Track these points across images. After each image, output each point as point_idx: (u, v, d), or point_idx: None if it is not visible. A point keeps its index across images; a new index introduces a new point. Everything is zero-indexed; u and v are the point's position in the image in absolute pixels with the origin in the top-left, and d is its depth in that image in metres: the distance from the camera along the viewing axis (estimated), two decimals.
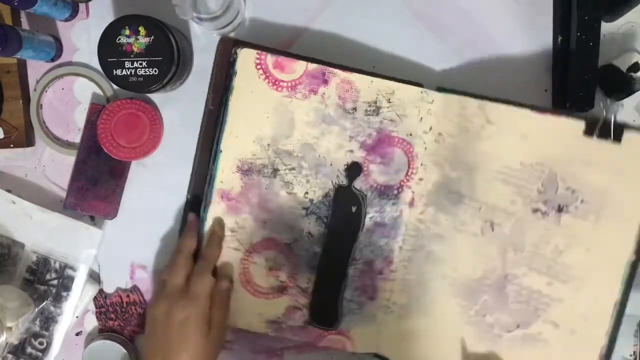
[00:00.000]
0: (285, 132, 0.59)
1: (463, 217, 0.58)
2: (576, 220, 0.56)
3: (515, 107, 0.56)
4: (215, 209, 0.60)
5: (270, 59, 0.58)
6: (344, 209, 0.60)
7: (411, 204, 0.60)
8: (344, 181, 0.60)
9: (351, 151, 0.59)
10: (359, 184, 0.60)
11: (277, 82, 0.58)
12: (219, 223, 0.60)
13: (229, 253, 0.60)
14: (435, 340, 0.59)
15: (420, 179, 0.59)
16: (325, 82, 0.58)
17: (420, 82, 0.59)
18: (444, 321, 0.59)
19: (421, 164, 0.59)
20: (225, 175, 0.59)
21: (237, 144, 0.59)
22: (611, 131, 0.54)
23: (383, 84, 0.58)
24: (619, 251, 0.55)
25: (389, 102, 0.58)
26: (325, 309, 0.61)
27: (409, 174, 0.59)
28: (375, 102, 0.58)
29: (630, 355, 0.64)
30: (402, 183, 0.60)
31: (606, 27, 0.62)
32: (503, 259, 0.57)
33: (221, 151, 0.59)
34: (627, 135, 0.54)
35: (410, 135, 0.59)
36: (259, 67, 0.58)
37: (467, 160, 0.58)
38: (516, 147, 0.56)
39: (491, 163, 0.57)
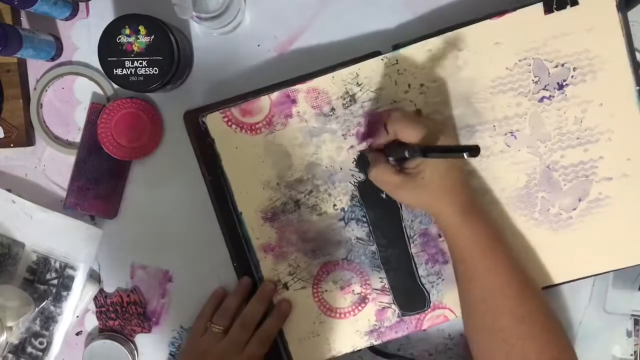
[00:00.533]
0: (285, 165, 0.60)
1: (483, 143, 0.59)
2: (578, 87, 0.58)
3: (475, 24, 0.57)
4: (266, 265, 0.61)
5: (235, 110, 0.59)
6: (375, 200, 0.60)
7: None
8: (360, 177, 0.60)
9: (351, 147, 0.59)
10: None
11: (253, 127, 0.59)
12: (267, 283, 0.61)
13: (299, 295, 0.61)
14: (522, 262, 0.59)
15: None
16: (294, 101, 0.59)
17: (379, 49, 0.59)
18: (519, 238, 0.60)
19: None
20: (257, 231, 0.60)
21: (250, 199, 0.60)
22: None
23: (344, 73, 0.58)
24: (624, 89, 0.58)
25: (359, 85, 0.58)
26: (411, 295, 0.61)
27: None
28: (347, 93, 0.58)
29: (631, 355, 0.64)
30: None
31: None
32: (537, 156, 0.59)
33: (241, 213, 0.60)
34: None
35: (395, 102, 0.59)
36: (230, 123, 0.59)
37: (459, 93, 0.58)
38: (494, 57, 0.58)
39: (481, 83, 0.58)
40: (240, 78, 0.62)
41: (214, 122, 0.59)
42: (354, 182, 0.60)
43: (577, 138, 0.59)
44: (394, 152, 0.55)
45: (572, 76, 0.58)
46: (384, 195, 0.60)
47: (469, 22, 0.57)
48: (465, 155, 0.46)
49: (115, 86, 0.64)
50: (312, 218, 0.61)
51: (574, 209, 0.59)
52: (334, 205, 0.60)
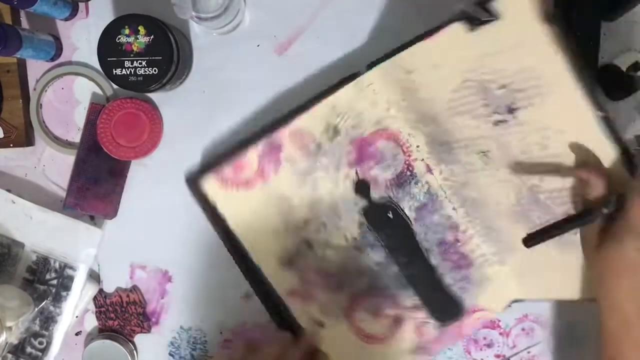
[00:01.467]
0: (288, 210, 0.60)
1: (464, 159, 0.58)
2: (529, 110, 0.52)
3: (411, 47, 0.53)
4: (296, 308, 0.61)
5: (228, 169, 0.59)
6: (384, 221, 0.60)
7: (429, 170, 0.60)
8: (363, 203, 0.60)
9: (347, 176, 0.60)
10: (376, 193, 0.60)
11: (248, 182, 0.59)
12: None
13: (336, 330, 0.62)
14: (541, 265, 0.59)
15: (418, 146, 0.60)
16: (279, 148, 0.59)
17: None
18: (533, 252, 0.57)
19: (408, 134, 0.59)
20: (280, 280, 0.61)
21: (265, 251, 0.60)
22: (485, 11, 0.48)
23: (322, 108, 0.57)
24: (581, 114, 0.50)
25: (339, 116, 0.58)
26: (444, 305, 0.62)
27: (406, 150, 0.60)
28: (329, 125, 0.58)
29: None
30: (407, 162, 0.60)
31: (606, 26, 0.62)
32: (517, 177, 0.56)
33: (260, 268, 0.60)
34: (499, 6, 0.48)
35: (378, 122, 0.59)
36: (225, 185, 0.59)
37: (425, 112, 0.57)
38: (437, 79, 0.54)
39: (438, 104, 0.55)
40: (240, 78, 0.63)
41: (211, 187, 0.59)
42: (359, 209, 0.60)
43: (549, 165, 0.54)
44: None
45: (518, 99, 0.52)
46: (391, 216, 0.60)
47: (407, 44, 0.53)
48: None
49: (115, 86, 0.64)
50: (327, 253, 0.61)
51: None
52: (345, 236, 0.61)
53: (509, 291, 0.62)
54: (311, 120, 0.58)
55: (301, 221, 0.60)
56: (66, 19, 0.62)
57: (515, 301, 0.62)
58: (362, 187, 0.60)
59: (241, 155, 0.59)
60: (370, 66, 0.56)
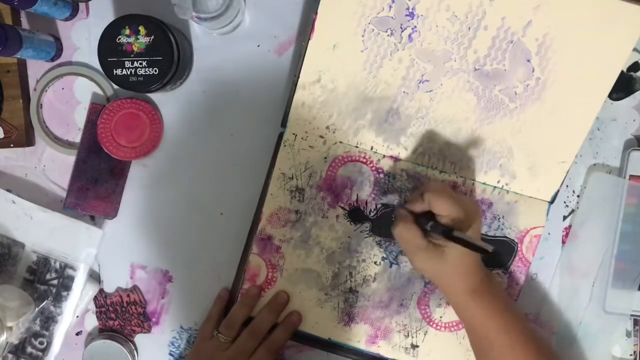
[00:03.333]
0: (315, 277, 0.62)
1: (415, 108, 0.60)
2: (420, 3, 0.58)
3: (304, 62, 0.59)
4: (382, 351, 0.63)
5: (245, 285, 0.62)
6: (388, 226, 0.61)
7: (394, 159, 0.61)
8: (366, 225, 0.61)
9: (337, 216, 0.61)
10: (370, 210, 0.61)
11: (269, 281, 0.62)
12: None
13: (428, 339, 0.62)
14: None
15: (371, 148, 0.61)
16: (270, 237, 0.61)
17: None
18: (524, 130, 0.60)
19: (355, 146, 0.60)
20: (352, 336, 0.62)
21: (322, 321, 0.62)
22: None
23: (275, 183, 0.61)
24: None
25: (292, 178, 0.61)
26: (497, 255, 0.62)
27: (365, 160, 0.61)
28: (291, 191, 0.61)
29: (631, 355, 0.64)
30: (373, 168, 0.61)
31: None
32: (458, 73, 0.59)
33: (329, 338, 0.62)
34: None
35: (325, 158, 0.61)
36: (253, 296, 0.62)
37: (357, 100, 0.60)
38: (342, 57, 0.59)
39: (359, 80, 0.59)
40: (240, 78, 0.63)
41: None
42: (367, 233, 0.62)
43: (469, 28, 0.58)
44: (422, 221, 0.56)
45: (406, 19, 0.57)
46: (394, 218, 0.61)
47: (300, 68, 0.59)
48: (480, 254, 0.48)
49: (115, 86, 0.64)
50: (374, 286, 0.62)
51: (533, 70, 0.59)
52: (375, 262, 0.62)
53: (537, 193, 0.61)
54: (274, 200, 0.61)
55: (331, 279, 0.62)
56: (66, 19, 0.62)
57: (551, 202, 0.62)
58: (355, 214, 0.61)
59: (249, 266, 0.61)
60: (284, 121, 0.60)
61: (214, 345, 0.60)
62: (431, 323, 0.63)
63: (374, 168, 0.61)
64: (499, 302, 0.56)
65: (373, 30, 0.58)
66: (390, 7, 0.58)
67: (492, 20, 0.57)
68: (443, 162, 0.61)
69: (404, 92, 0.59)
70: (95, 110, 0.63)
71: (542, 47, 0.58)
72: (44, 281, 0.63)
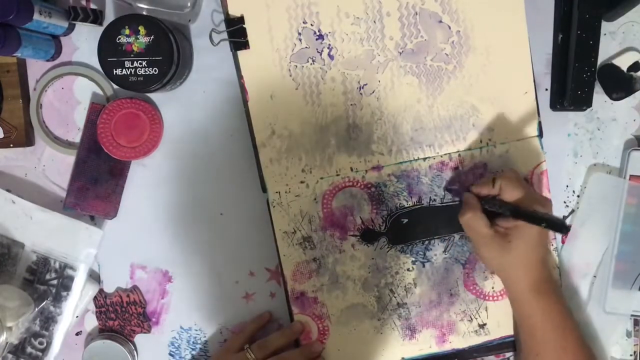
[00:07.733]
0: (362, 312, 0.63)
1: (372, 108, 0.61)
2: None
3: (246, 110, 0.62)
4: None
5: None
6: (408, 230, 0.62)
7: (377, 169, 0.61)
8: (383, 240, 0.62)
9: (352, 245, 0.62)
10: (379, 225, 0.62)
11: (324, 333, 0.63)
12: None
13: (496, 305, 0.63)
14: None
15: (351, 168, 0.61)
16: (302, 294, 0.62)
17: None
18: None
19: (336, 174, 0.61)
20: (421, 343, 0.63)
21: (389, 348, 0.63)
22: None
23: (282, 244, 0.62)
24: None
25: (294, 232, 0.62)
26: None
27: (352, 182, 0.62)
28: (299, 243, 0.62)
29: (631, 355, 0.64)
30: (362, 187, 0.62)
31: (606, 26, 0.62)
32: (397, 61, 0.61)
33: None
34: None
35: (315, 199, 0.61)
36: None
37: (312, 129, 0.61)
38: (269, 70, 0.61)
39: (300, 95, 0.61)
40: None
41: None
42: (387, 247, 0.62)
43: (374, 22, 0.59)
44: (488, 202, 0.56)
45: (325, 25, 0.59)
46: (404, 220, 0.62)
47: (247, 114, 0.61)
48: (552, 229, 0.50)
49: (115, 86, 0.64)
50: (418, 291, 0.63)
51: (449, 27, 0.60)
52: (408, 269, 0.62)
53: (521, 133, 0.61)
54: (289, 259, 0.62)
55: (376, 303, 0.63)
56: (52, 59, 0.62)
57: (540, 136, 0.61)
58: (368, 235, 0.62)
59: (296, 319, 0.63)
60: (263, 185, 0.61)
61: (239, 358, 0.60)
62: (487, 297, 0.63)
63: (362, 186, 0.61)
64: (559, 304, 0.56)
65: (296, 66, 0.60)
66: (300, 39, 0.60)
67: (390, 5, 0.59)
68: (421, 149, 0.61)
69: (351, 104, 0.61)
70: (95, 110, 0.63)
71: (444, 3, 0.60)
72: (43, 281, 0.63)
